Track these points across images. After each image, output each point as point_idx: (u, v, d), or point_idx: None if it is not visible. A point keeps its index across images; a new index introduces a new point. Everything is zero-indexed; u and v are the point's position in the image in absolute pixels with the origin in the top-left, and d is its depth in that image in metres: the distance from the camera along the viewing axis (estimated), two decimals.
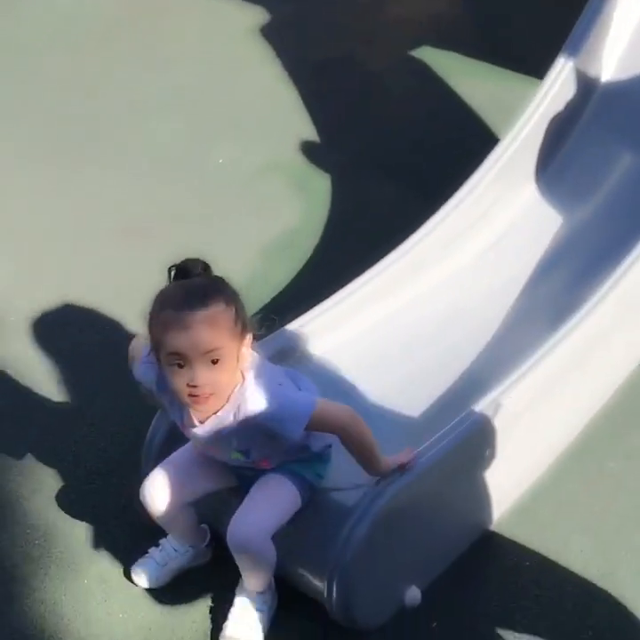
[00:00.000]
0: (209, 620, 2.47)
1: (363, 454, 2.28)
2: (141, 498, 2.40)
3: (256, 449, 2.27)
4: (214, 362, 2.05)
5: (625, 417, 3.09)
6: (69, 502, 2.80)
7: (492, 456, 2.61)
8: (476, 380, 2.90)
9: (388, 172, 4.35)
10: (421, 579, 2.52)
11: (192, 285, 2.10)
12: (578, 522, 2.78)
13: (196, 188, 4.24)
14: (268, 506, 2.30)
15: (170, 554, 2.52)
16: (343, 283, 3.09)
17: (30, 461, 2.94)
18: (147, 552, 2.55)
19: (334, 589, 2.30)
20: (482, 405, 2.56)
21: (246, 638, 2.36)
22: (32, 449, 2.98)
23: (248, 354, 2.15)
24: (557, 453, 2.92)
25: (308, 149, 4.47)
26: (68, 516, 2.76)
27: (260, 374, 2.20)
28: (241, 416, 2.16)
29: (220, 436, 2.21)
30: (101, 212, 4.09)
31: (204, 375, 2.05)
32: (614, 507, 2.83)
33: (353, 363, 2.93)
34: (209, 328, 2.04)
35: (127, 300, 3.39)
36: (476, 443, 2.58)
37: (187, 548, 2.52)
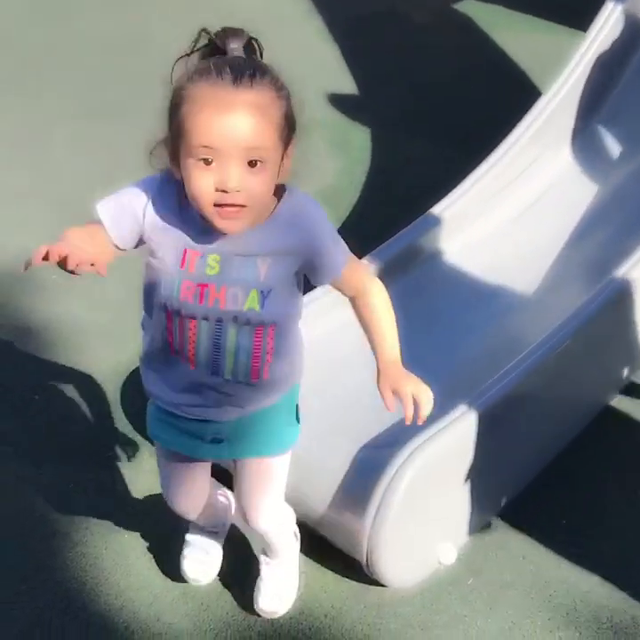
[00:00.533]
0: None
1: (389, 321, 1.90)
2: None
3: (276, 295, 1.79)
4: (252, 164, 1.62)
5: None
6: (112, 460, 2.86)
7: (537, 410, 2.62)
8: (514, 339, 2.88)
9: (428, 128, 4.32)
10: (458, 536, 2.54)
11: (235, 60, 1.63)
12: (618, 475, 2.78)
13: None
14: (272, 487, 2.11)
15: (205, 542, 2.41)
16: (382, 240, 3.09)
17: (80, 420, 2.99)
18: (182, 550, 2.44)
19: (371, 546, 2.32)
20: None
21: (281, 609, 2.33)
22: (80, 406, 3.02)
23: (289, 165, 1.73)
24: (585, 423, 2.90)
25: (348, 106, 4.45)
26: (110, 474, 2.81)
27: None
28: (287, 220, 1.76)
29: (249, 253, 1.75)
30: (140, 167, 4.09)
31: (239, 177, 1.61)
32: None
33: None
34: (255, 116, 1.60)
35: None
36: (521, 396, 2.57)
37: (218, 527, 2.42)
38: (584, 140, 3.59)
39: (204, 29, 1.68)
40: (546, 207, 3.39)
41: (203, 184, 1.63)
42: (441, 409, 2.48)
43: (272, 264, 1.77)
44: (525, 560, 2.56)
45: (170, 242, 1.76)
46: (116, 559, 2.55)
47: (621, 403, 3.01)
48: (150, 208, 1.76)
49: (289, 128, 1.68)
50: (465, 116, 4.33)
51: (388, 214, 3.56)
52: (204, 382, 1.88)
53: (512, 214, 3.34)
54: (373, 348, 1.88)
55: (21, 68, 4.77)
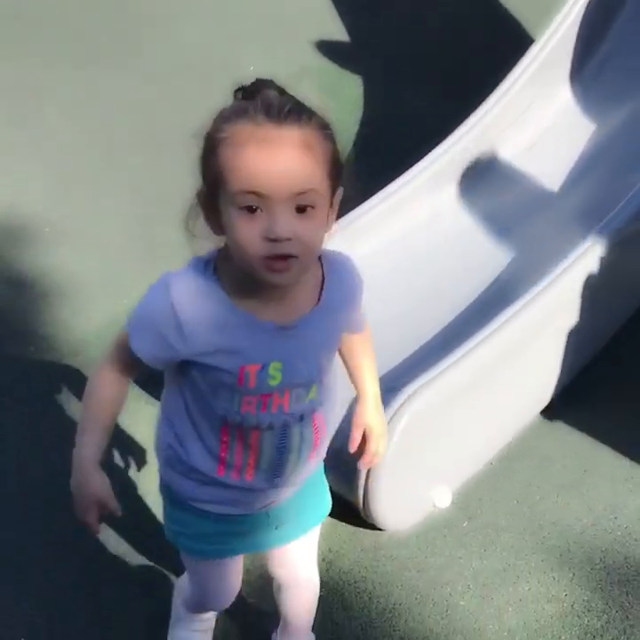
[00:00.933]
0: None
1: (373, 357, 1.84)
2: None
3: (325, 381, 1.66)
4: (302, 210, 1.42)
5: None
6: None
7: (525, 357, 2.63)
8: (509, 286, 2.89)
9: (421, 76, 4.28)
10: (453, 480, 2.56)
11: (276, 98, 1.44)
12: (608, 427, 2.80)
13: (228, 95, 4.20)
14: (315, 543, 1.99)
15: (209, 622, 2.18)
16: (377, 188, 3.07)
17: (77, 369, 3.00)
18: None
19: (367, 489, 2.35)
20: (518, 306, 2.56)
21: None
22: (77, 356, 3.03)
23: (334, 218, 1.55)
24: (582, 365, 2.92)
25: (340, 54, 4.40)
26: None
27: None
28: (336, 297, 1.60)
29: (313, 343, 1.59)
30: (130, 119, 4.06)
31: (289, 224, 1.41)
32: None
33: (391, 264, 2.93)
34: (303, 156, 1.41)
35: (160, 208, 3.39)
36: (511, 342, 2.58)
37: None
38: (581, 82, 3.57)
39: (239, 88, 1.47)
40: (543, 152, 3.38)
41: (249, 234, 1.42)
42: (435, 356, 2.52)
43: (331, 353, 1.66)
44: (519, 504, 2.59)
45: (221, 361, 1.53)
46: None
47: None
48: (187, 329, 1.50)
49: (337, 172, 1.49)
50: (459, 64, 4.29)
51: (381, 163, 3.52)
52: (262, 487, 1.70)
53: (508, 161, 3.33)
54: (354, 381, 1.84)
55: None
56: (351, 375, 1.84)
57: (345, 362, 1.81)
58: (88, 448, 1.63)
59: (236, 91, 1.46)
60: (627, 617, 2.29)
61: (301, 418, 1.62)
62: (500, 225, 3.14)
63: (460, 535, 2.51)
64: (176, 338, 1.50)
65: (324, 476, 1.86)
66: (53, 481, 2.45)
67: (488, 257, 3.04)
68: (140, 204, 3.62)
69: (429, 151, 3.18)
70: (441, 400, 2.42)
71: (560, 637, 2.25)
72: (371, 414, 1.83)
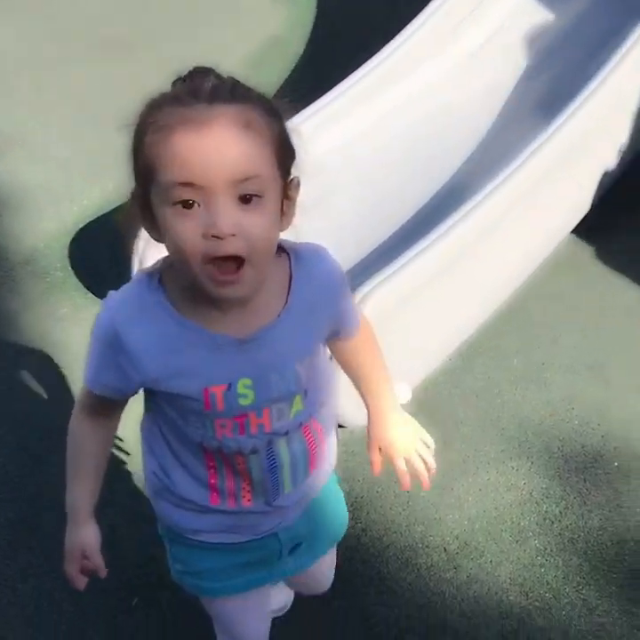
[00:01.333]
0: None
1: (379, 366, 1.59)
2: None
3: (314, 379, 1.43)
4: (246, 200, 1.20)
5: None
6: (62, 318, 2.83)
7: (477, 257, 2.62)
8: (470, 176, 2.87)
9: None
10: (412, 377, 2.57)
11: (209, 80, 1.23)
12: (567, 319, 2.82)
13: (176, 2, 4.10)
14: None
15: None
16: (333, 85, 3.02)
17: (26, 277, 2.95)
18: None
19: None
20: (471, 206, 2.54)
21: None
22: (26, 266, 2.98)
23: (293, 211, 1.31)
24: (549, 251, 2.92)
25: None
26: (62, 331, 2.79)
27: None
28: (309, 298, 1.36)
29: (285, 352, 1.36)
30: (79, 27, 3.95)
31: (232, 215, 1.19)
32: (604, 303, 2.88)
33: (346, 164, 2.90)
34: (241, 133, 1.19)
35: (108, 117, 3.31)
36: (465, 243, 2.57)
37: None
38: None
39: (177, 79, 1.26)
40: (500, 43, 3.33)
41: (186, 234, 1.19)
42: (393, 254, 2.50)
43: (311, 359, 1.40)
44: (478, 398, 2.61)
45: (181, 385, 1.33)
46: None
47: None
48: (136, 354, 1.31)
49: (286, 155, 1.25)
50: None
51: (337, 61, 3.47)
52: (265, 510, 1.50)
53: (463, 56, 3.27)
54: (362, 394, 1.59)
55: None
56: (356, 387, 1.59)
57: (346, 372, 1.57)
58: (77, 498, 1.47)
59: (174, 81, 1.26)
60: (584, 502, 2.33)
61: (287, 434, 1.41)
62: (458, 119, 3.10)
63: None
64: (127, 365, 1.31)
65: (335, 482, 1.66)
66: None
67: (447, 152, 3.00)
68: (88, 114, 3.55)
69: (382, 47, 3.12)
70: (398, 298, 2.40)
71: (519, 524, 2.28)
72: (386, 431, 1.60)
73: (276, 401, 1.37)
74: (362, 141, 2.95)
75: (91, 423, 1.44)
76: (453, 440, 2.49)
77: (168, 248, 1.25)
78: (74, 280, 2.97)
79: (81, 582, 1.49)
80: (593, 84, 2.78)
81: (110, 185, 3.21)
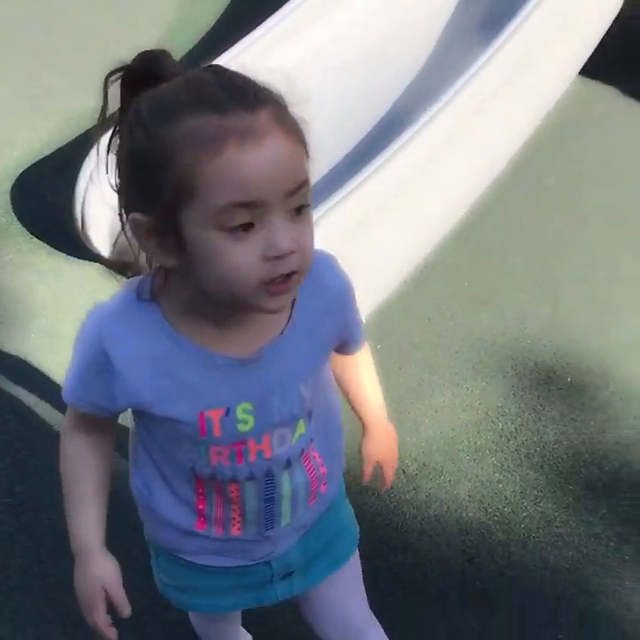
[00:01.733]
0: None
1: (374, 378, 1.51)
2: None
3: (317, 410, 1.32)
4: (299, 211, 1.09)
5: (561, 134, 3.11)
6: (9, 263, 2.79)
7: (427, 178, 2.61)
8: (413, 104, 2.85)
9: None
10: (365, 304, 2.55)
11: (223, 77, 1.09)
12: (516, 239, 2.83)
13: None
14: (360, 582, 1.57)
15: None
16: (269, 15, 2.97)
17: None
18: None
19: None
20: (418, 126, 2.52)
21: None
22: None
23: None
24: (496, 174, 2.91)
25: None
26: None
27: None
28: (309, 311, 1.24)
29: (289, 371, 1.24)
30: None
31: (290, 231, 1.08)
32: (551, 221, 2.89)
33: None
34: (289, 141, 1.08)
35: (47, 58, 3.23)
36: (412, 166, 2.55)
37: None
38: None
39: (114, 71, 1.12)
40: None
41: (244, 259, 1.06)
42: (343, 179, 2.48)
43: (315, 378, 1.29)
44: (431, 321, 2.62)
45: (174, 408, 1.21)
46: None
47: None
48: (124, 373, 1.18)
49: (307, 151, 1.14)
50: None
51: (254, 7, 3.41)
52: (255, 540, 1.38)
53: None
54: (356, 409, 1.51)
55: None
56: (350, 401, 1.50)
57: (339, 385, 1.46)
58: (84, 529, 1.30)
59: (108, 76, 1.11)
60: (539, 418, 2.36)
61: (288, 463, 1.30)
62: (403, 41, 3.07)
63: (376, 357, 2.50)
64: (113, 385, 1.20)
65: (343, 501, 1.52)
66: None
67: (386, 84, 2.98)
68: (27, 55, 3.46)
69: None
70: (348, 224, 2.39)
71: (476, 443, 2.31)
72: (382, 445, 1.54)
73: (277, 426, 1.25)
74: (296, 75, 2.90)
75: (83, 440, 1.30)
76: (408, 364, 2.50)
77: (201, 273, 1.09)
78: (18, 226, 2.92)
79: (112, 632, 1.28)
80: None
81: (50, 127, 3.15)
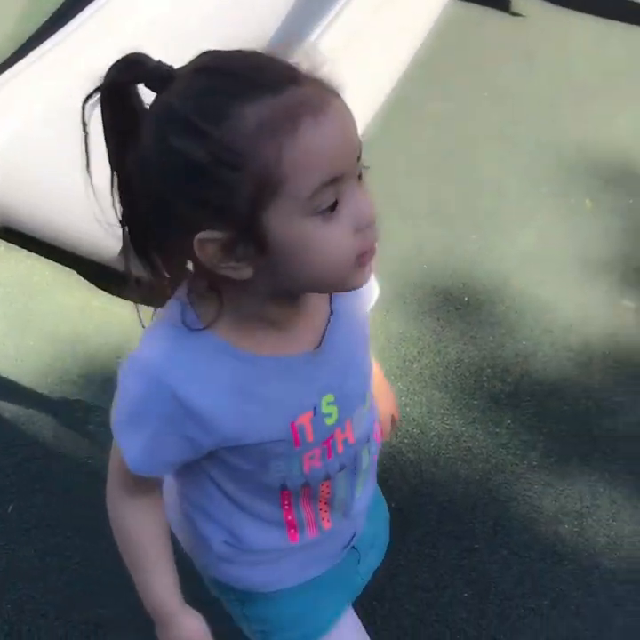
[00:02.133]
0: None
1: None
2: None
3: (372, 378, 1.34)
4: (360, 177, 1.03)
5: (443, 57, 3.14)
6: None
7: None
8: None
9: None
10: None
11: (238, 57, 0.99)
12: (405, 165, 2.86)
13: None
14: None
15: None
16: None
17: None
18: None
19: None
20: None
21: None
22: None
23: None
24: (381, 101, 2.92)
25: None
26: None
27: None
28: (344, 300, 1.19)
29: (350, 354, 1.21)
30: None
31: (367, 197, 1.02)
32: (437, 146, 2.92)
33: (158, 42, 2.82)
34: (345, 108, 1.00)
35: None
36: None
37: None
38: None
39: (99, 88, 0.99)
40: None
41: (341, 239, 0.99)
42: None
43: (360, 346, 1.24)
44: None
45: (266, 429, 1.13)
46: None
47: None
48: (206, 415, 1.07)
49: None
50: None
51: None
52: (340, 526, 1.34)
53: None
54: None
55: None
56: None
57: None
58: (158, 589, 1.21)
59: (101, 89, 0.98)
60: (440, 340, 2.41)
61: (368, 439, 1.28)
62: None
63: None
64: (198, 432, 1.08)
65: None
66: None
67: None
68: None
69: None
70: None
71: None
72: (390, 399, 1.55)
73: (355, 408, 1.22)
74: (164, 20, 2.87)
75: (140, 504, 1.21)
76: None
77: (292, 267, 1.00)
78: None
79: None
80: None
81: None
